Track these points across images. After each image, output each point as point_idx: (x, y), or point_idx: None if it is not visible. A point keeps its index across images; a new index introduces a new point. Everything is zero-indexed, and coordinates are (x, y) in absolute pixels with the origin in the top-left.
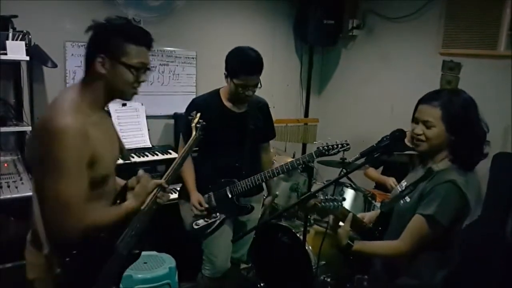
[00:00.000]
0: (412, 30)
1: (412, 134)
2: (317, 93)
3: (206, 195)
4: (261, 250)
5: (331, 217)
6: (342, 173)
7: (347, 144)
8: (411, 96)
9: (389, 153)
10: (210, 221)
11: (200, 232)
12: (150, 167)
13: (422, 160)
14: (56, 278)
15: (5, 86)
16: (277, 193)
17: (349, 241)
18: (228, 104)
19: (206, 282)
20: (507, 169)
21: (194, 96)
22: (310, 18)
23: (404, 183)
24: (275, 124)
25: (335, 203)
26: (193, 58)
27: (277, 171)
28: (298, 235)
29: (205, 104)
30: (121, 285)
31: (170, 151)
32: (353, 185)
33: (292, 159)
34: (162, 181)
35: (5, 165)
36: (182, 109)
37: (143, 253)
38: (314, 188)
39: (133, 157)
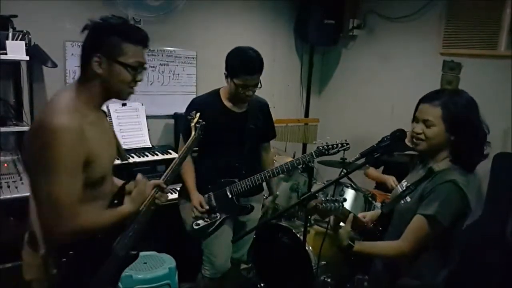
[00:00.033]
0: (413, 30)
1: (412, 133)
2: (317, 93)
3: (206, 195)
4: (261, 250)
5: (332, 217)
6: (343, 173)
7: (347, 144)
8: (411, 96)
9: (390, 153)
10: (210, 221)
11: (201, 232)
12: (150, 167)
13: (422, 160)
14: (52, 278)
15: (5, 86)
16: (277, 193)
17: (350, 242)
18: (228, 104)
19: (206, 282)
20: (508, 169)
21: (194, 96)
22: (311, 18)
23: (404, 183)
24: (275, 124)
25: (336, 204)
26: (193, 58)
27: (277, 171)
28: (298, 235)
29: (205, 104)
30: (121, 285)
31: (170, 151)
32: (354, 185)
33: (292, 159)
34: (160, 181)
35: (5, 165)
36: (182, 109)
37: (143, 253)
38: (315, 188)
39: (133, 157)
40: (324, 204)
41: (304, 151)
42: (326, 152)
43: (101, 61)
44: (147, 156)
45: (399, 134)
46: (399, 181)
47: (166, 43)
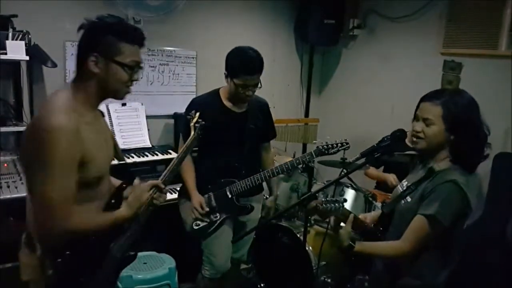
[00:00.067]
0: (413, 30)
1: (411, 132)
2: (317, 93)
3: (206, 195)
4: (261, 251)
5: (332, 218)
6: (343, 173)
7: (347, 143)
8: (411, 96)
9: (390, 153)
10: (210, 221)
11: (200, 232)
12: (150, 167)
13: (422, 160)
14: (48, 279)
15: (5, 86)
16: (278, 193)
17: (350, 242)
18: (228, 104)
19: (206, 282)
20: (508, 169)
21: (194, 96)
22: (311, 17)
23: (405, 183)
24: (275, 124)
25: (336, 204)
26: (193, 58)
27: (277, 170)
28: (298, 235)
29: (205, 104)
30: (121, 286)
31: (170, 151)
32: (354, 185)
33: (292, 159)
34: (158, 181)
35: (5, 165)
36: (182, 109)
37: (143, 253)
38: (315, 188)
39: (132, 157)
40: (324, 205)
41: (304, 151)
42: (326, 152)
43: (97, 61)
44: (147, 156)
45: (399, 134)
46: (400, 180)
47: (166, 43)
